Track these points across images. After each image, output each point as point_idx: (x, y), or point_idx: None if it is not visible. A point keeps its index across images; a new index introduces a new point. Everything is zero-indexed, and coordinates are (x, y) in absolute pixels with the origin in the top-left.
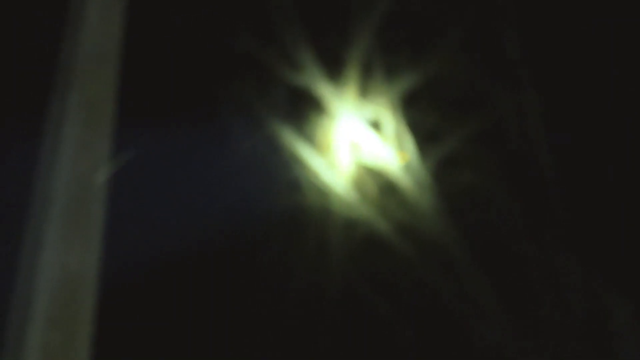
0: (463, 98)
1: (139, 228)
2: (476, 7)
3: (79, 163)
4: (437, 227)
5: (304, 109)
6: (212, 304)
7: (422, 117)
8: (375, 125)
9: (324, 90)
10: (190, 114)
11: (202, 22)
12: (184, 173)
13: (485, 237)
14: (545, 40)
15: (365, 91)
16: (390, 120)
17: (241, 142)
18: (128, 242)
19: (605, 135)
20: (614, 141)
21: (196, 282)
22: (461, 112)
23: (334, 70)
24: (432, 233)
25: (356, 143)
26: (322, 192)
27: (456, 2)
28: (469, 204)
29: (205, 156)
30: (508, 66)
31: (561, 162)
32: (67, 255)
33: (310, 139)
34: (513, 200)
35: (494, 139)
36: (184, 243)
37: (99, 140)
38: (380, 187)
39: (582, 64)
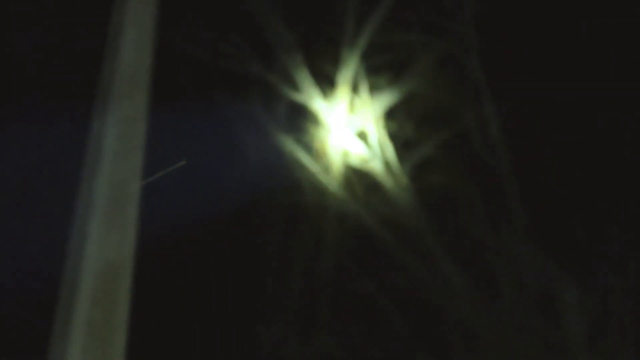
0: (434, 112)
1: (165, 221)
2: (443, 36)
3: (117, 171)
4: (414, 219)
5: (302, 122)
6: (225, 286)
7: (400, 128)
8: (362, 135)
9: (320, 106)
10: (209, 128)
11: (221, 53)
12: (203, 174)
13: (453, 226)
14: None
15: (353, 107)
16: (374, 130)
17: (251, 149)
18: (156, 235)
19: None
20: (560, 139)
21: (210, 267)
22: (432, 124)
23: (328, 89)
24: (409, 224)
25: (346, 150)
26: (318, 190)
27: (426, 32)
28: (440, 200)
29: (220, 161)
30: (470, 85)
31: (517, 162)
32: (107, 247)
33: (308, 146)
34: (476, 196)
35: (460, 145)
36: (202, 233)
37: (133, 152)
38: (366, 186)
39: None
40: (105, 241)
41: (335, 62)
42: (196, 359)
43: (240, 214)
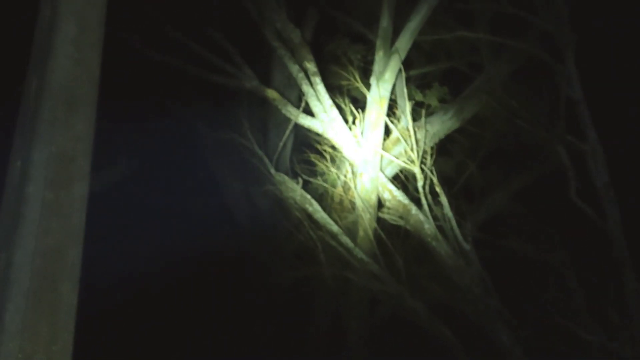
0: (510, 147)
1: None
2: (525, 36)
3: (48, 232)
4: (480, 307)
5: (316, 160)
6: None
7: (460, 170)
8: (403, 179)
9: (341, 136)
10: (185, 167)
11: (203, 62)
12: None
13: (537, 317)
14: None
15: (390, 138)
16: (420, 174)
17: (239, 202)
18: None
19: None
20: None
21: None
22: (508, 164)
23: (353, 112)
24: (474, 314)
25: (380, 201)
26: (338, 261)
27: (498, 30)
28: (520, 279)
29: (197, 220)
30: (565, 107)
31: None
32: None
33: (324, 195)
34: (572, 274)
35: (549, 196)
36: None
37: (71, 214)
38: (409, 255)
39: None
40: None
41: (363, 74)
42: None
43: (225, 297)
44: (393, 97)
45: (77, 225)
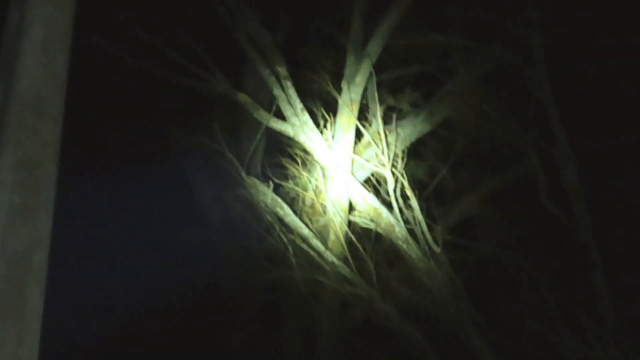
0: (480, 151)
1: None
2: (495, 41)
3: (14, 236)
4: (451, 309)
5: (287, 164)
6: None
7: (431, 173)
8: (374, 183)
9: (312, 140)
10: (153, 174)
11: (172, 65)
12: (147, 244)
13: (508, 321)
14: None
15: (361, 142)
16: (392, 177)
17: (212, 205)
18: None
19: None
20: None
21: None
22: (479, 167)
23: (324, 116)
24: (444, 316)
25: (351, 205)
26: (310, 264)
27: (469, 35)
28: (490, 281)
29: (170, 224)
30: (535, 111)
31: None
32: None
33: (295, 199)
34: (544, 277)
35: (519, 199)
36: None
37: (37, 220)
38: (381, 258)
39: None
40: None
41: (335, 78)
42: None
43: (199, 300)
44: (364, 101)
45: (44, 229)
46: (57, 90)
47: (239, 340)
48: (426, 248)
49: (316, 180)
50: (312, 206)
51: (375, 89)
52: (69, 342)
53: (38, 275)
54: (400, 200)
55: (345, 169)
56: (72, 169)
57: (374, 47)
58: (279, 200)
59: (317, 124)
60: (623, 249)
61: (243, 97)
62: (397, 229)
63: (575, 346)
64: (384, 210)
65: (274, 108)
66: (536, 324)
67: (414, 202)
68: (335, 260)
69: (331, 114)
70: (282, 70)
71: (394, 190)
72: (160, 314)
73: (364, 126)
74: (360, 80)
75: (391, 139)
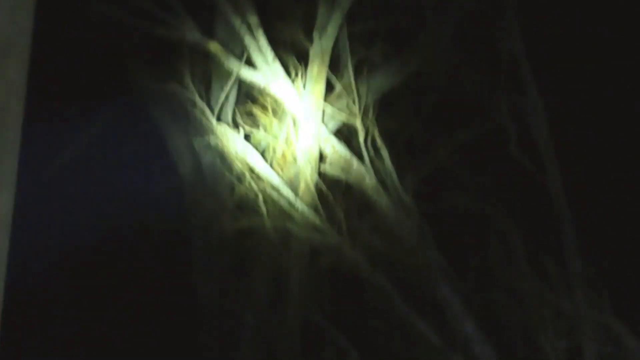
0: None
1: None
2: None
3: None
4: (420, 257)
5: (257, 113)
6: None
7: (402, 125)
8: (345, 134)
9: (282, 89)
10: (121, 121)
11: (139, 13)
12: (107, 193)
13: (478, 270)
14: None
15: (332, 92)
16: (362, 128)
17: (179, 152)
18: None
19: None
20: None
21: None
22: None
23: (295, 65)
24: (413, 265)
25: (321, 155)
26: (279, 213)
27: None
28: (459, 231)
29: (133, 172)
30: (506, 63)
31: (572, 177)
32: None
33: (264, 149)
34: (512, 227)
35: (489, 150)
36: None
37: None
38: (350, 208)
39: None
40: None
41: (306, 27)
42: None
43: (165, 248)
44: (336, 51)
45: (9, 172)
46: (23, 33)
47: (207, 287)
48: (396, 198)
49: (287, 129)
50: (283, 155)
51: (346, 39)
52: (33, 285)
53: (4, 219)
54: (371, 151)
55: (316, 119)
56: (39, 113)
57: None
58: (250, 148)
59: (289, 74)
60: (592, 200)
61: (214, 46)
62: (367, 179)
63: (543, 294)
64: (354, 161)
65: (245, 57)
66: (504, 273)
67: (384, 152)
68: (305, 209)
69: (302, 64)
70: (253, 20)
71: (365, 141)
72: (128, 260)
73: (335, 77)
74: (331, 30)
75: (362, 90)
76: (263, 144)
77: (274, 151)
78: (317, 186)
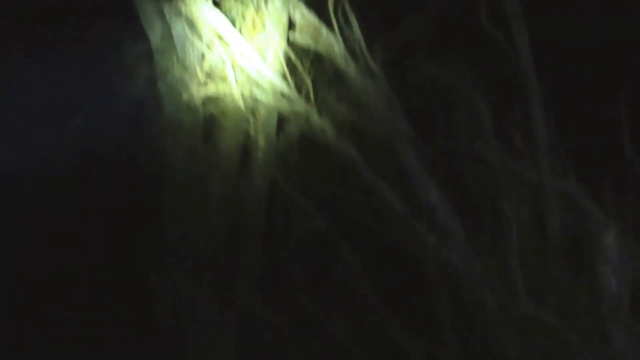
0: None
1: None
2: None
3: None
4: (388, 127)
5: None
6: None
7: None
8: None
9: None
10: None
11: None
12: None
13: (445, 140)
14: None
15: None
16: None
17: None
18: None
19: None
20: None
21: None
22: None
23: None
24: (381, 135)
25: (290, 22)
26: (247, 81)
27: None
28: (427, 102)
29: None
30: None
31: (541, 49)
32: None
33: (235, 18)
34: (480, 99)
35: (458, 21)
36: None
37: None
38: (318, 77)
39: None
40: None
41: None
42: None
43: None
44: None
45: None
46: None
47: (177, 151)
48: (364, 66)
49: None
50: (253, 23)
51: None
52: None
53: None
54: (341, 19)
55: None
56: None
57: None
58: (220, 14)
59: None
60: (560, 72)
61: None
62: (336, 47)
63: (509, 164)
64: (323, 29)
65: None
66: (471, 143)
67: (353, 20)
68: (273, 76)
69: None
70: None
71: (335, 9)
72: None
73: None
74: None
75: None
76: (233, 11)
77: (244, 18)
78: (285, 54)
